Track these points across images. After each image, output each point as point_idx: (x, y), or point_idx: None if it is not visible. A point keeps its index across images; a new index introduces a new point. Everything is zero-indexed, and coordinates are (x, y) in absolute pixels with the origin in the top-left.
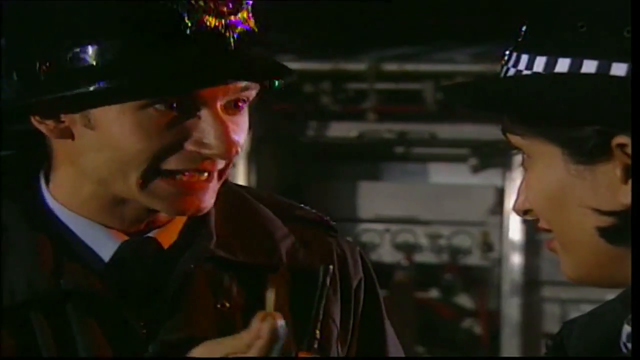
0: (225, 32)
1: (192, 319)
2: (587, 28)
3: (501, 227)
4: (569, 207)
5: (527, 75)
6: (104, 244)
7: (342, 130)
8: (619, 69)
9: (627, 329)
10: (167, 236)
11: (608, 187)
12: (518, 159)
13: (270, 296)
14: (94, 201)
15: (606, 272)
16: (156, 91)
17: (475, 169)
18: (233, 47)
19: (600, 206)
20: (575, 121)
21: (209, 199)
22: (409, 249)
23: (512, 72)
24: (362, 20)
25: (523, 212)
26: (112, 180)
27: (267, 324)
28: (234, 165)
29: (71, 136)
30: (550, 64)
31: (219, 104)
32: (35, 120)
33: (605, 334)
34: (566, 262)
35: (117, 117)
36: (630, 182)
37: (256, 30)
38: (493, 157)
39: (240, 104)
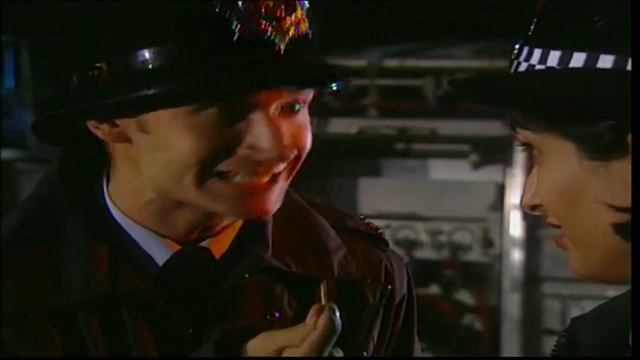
0: (275, 38)
1: (240, 330)
2: (602, 22)
3: (501, 223)
4: (581, 203)
5: (540, 70)
6: (158, 252)
7: (342, 126)
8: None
9: None
10: (220, 245)
11: (622, 182)
12: (519, 155)
13: (324, 289)
14: (151, 207)
15: (618, 268)
16: (203, 96)
17: (476, 165)
18: (283, 53)
19: (614, 202)
20: (591, 117)
21: (274, 201)
22: (409, 245)
23: (523, 66)
24: (363, 16)
25: (531, 208)
26: (168, 182)
27: (323, 316)
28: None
29: (127, 140)
30: (565, 59)
31: (272, 108)
32: (91, 125)
33: (614, 330)
34: (576, 258)
35: (170, 121)
36: None
37: (309, 33)
38: (493, 153)
39: (297, 105)
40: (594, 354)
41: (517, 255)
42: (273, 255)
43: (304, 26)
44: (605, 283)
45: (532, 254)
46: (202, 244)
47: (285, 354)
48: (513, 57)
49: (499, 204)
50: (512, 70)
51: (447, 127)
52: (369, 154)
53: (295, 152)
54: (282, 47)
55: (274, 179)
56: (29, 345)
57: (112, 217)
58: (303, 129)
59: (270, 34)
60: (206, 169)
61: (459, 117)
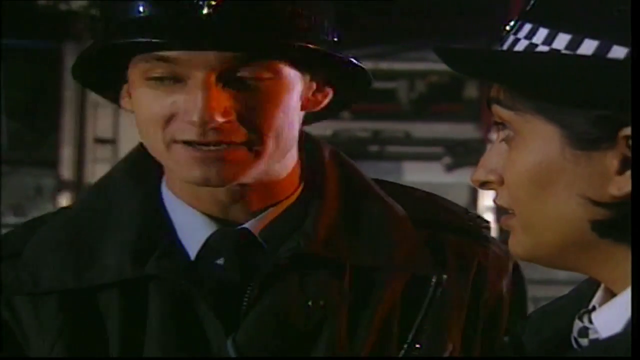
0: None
1: (276, 315)
2: (621, 13)
3: None
4: (552, 190)
5: (543, 51)
6: (199, 231)
7: (316, 128)
8: None
9: (578, 324)
10: (263, 226)
11: (602, 176)
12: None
13: None
14: (176, 180)
15: (568, 256)
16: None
17: (449, 168)
18: (206, 15)
19: (591, 195)
20: (586, 105)
21: (232, 173)
22: None
23: (523, 43)
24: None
25: (482, 184)
26: (152, 149)
27: None
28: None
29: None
30: (574, 43)
31: (211, 74)
32: (121, 99)
33: (558, 330)
34: (523, 241)
35: (135, 90)
36: (625, 174)
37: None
38: (466, 155)
39: (256, 78)
40: (537, 353)
41: None
42: (321, 243)
43: None
44: (546, 266)
45: None
46: (246, 224)
47: None
48: (508, 31)
49: (472, 205)
50: (508, 45)
51: (420, 129)
52: None
53: (218, 119)
54: (205, 9)
55: (231, 150)
56: (45, 322)
57: (161, 198)
58: (261, 103)
59: None
60: (166, 136)
61: (433, 119)
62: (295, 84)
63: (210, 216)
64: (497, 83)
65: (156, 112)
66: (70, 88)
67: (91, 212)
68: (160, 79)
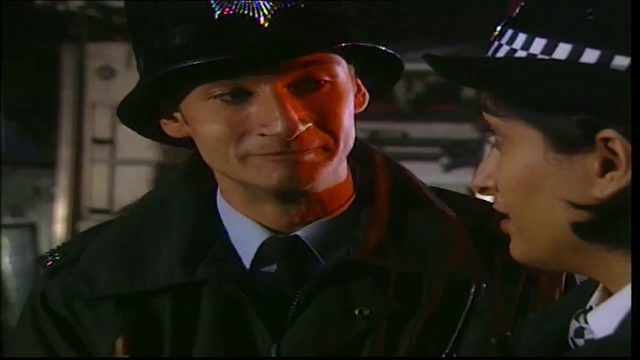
0: (252, 14)
1: (321, 324)
2: (595, 16)
3: None
4: (538, 195)
5: (521, 57)
6: (253, 239)
7: None
8: (620, 62)
9: (574, 324)
10: (316, 234)
11: (584, 179)
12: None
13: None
14: (236, 193)
15: (562, 258)
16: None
17: (447, 168)
18: (266, 26)
19: (573, 198)
20: (563, 109)
21: (308, 175)
22: None
23: (504, 49)
24: None
25: (481, 190)
26: (220, 166)
27: None
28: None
29: (186, 133)
30: (550, 48)
31: (279, 84)
32: (163, 124)
33: (556, 330)
34: (519, 245)
35: (194, 110)
36: (606, 176)
37: (298, 5)
38: (464, 156)
39: (320, 81)
40: (535, 353)
41: None
42: (370, 249)
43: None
44: (546, 269)
45: None
46: (298, 232)
47: None
48: (494, 38)
49: None
50: (492, 51)
51: (418, 130)
52: None
53: (299, 126)
54: (262, 21)
55: (309, 152)
56: (104, 324)
57: (215, 205)
58: (329, 105)
59: (248, 10)
60: (240, 151)
61: (430, 120)
62: (350, 85)
63: (266, 227)
64: (479, 89)
65: (229, 129)
66: (67, 88)
67: (145, 219)
68: (222, 96)
